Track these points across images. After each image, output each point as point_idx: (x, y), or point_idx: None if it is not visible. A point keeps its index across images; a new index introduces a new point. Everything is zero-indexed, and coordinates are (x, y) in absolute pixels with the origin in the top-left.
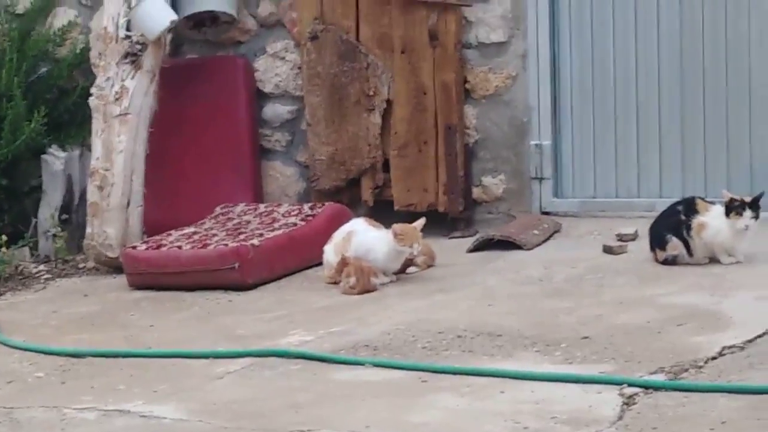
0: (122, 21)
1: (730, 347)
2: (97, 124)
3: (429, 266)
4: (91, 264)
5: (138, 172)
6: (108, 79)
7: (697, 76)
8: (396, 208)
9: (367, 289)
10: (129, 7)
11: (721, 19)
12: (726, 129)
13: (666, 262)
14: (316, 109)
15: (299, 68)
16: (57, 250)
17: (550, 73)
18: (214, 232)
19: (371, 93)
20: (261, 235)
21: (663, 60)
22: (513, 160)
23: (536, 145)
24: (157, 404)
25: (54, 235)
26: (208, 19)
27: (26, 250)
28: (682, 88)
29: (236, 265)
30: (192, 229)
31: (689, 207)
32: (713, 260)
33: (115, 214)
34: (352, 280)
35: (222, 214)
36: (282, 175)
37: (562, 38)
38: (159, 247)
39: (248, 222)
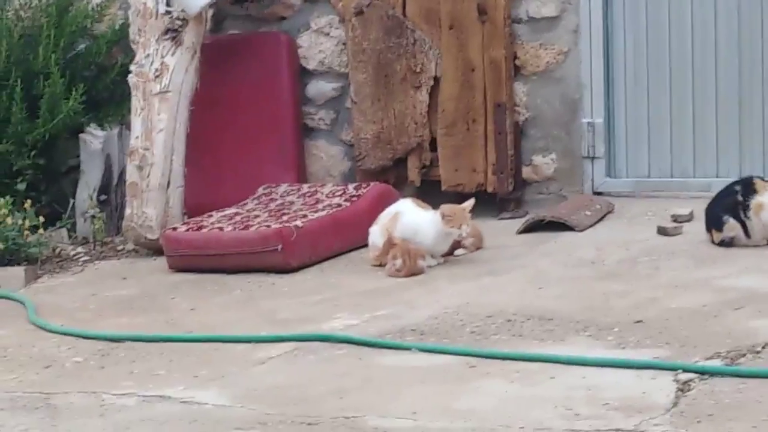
0: None
1: None
2: (136, 102)
3: (477, 248)
4: (130, 246)
5: (178, 152)
6: (148, 56)
7: (756, 52)
8: (443, 188)
9: (414, 272)
10: None
11: None
12: None
13: (723, 243)
14: (361, 86)
15: (344, 44)
16: (95, 231)
17: (602, 48)
18: (256, 213)
19: (418, 70)
20: (304, 216)
21: (720, 35)
22: (564, 139)
23: (588, 123)
24: (199, 390)
25: (92, 217)
26: None
27: (64, 231)
28: (740, 64)
29: (279, 247)
30: (234, 210)
31: (747, 187)
32: None
33: (154, 195)
34: (399, 262)
35: (264, 194)
36: (326, 155)
37: (615, 12)
38: (200, 228)
39: (291, 203)
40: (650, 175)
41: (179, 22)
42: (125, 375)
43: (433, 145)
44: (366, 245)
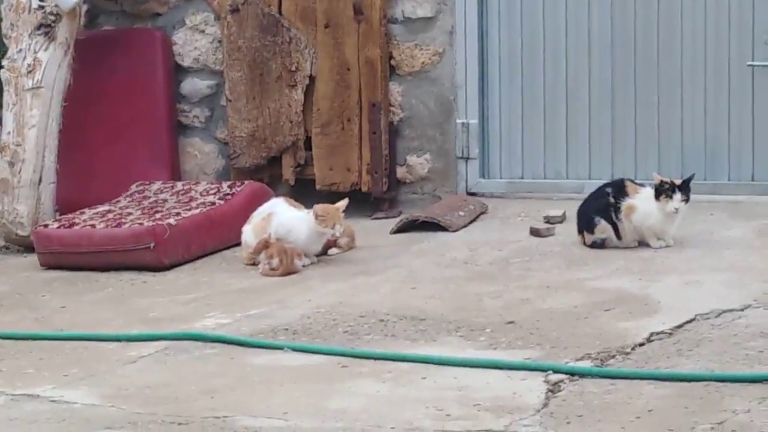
0: None
1: (658, 333)
2: (8, 97)
3: (351, 248)
4: (0, 242)
5: (51, 148)
6: (20, 50)
7: (629, 57)
8: (318, 187)
9: (290, 271)
10: None
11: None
12: (657, 110)
13: (594, 245)
14: (236, 84)
15: (219, 42)
16: None
17: (478, 50)
18: (129, 210)
19: (293, 68)
20: (178, 214)
21: (594, 39)
22: (439, 139)
23: (463, 124)
24: (68, 389)
25: None
26: None
27: None
28: (613, 68)
29: (152, 245)
30: (106, 208)
31: (618, 189)
32: (642, 244)
33: (26, 191)
34: (275, 261)
35: (138, 192)
36: (200, 153)
37: (490, 14)
38: (72, 225)
39: (165, 200)
40: (524, 177)
41: (52, 17)
42: None
43: (308, 144)
44: (240, 244)
